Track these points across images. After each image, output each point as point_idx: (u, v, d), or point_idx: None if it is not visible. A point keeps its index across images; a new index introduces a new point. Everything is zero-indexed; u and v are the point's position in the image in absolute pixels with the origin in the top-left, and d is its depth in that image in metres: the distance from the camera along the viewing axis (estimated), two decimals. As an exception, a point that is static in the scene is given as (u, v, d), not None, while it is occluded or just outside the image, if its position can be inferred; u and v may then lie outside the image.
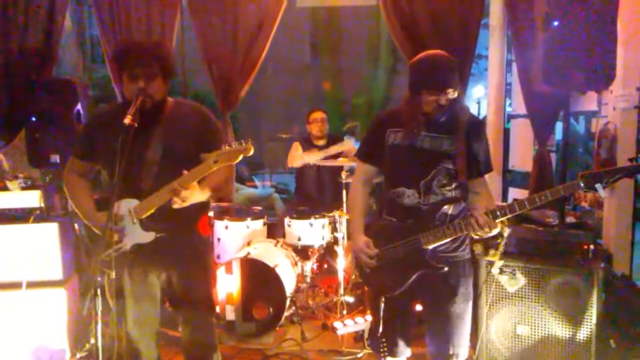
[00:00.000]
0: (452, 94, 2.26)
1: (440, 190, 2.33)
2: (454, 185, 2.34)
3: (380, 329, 2.47)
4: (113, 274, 2.17)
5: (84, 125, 2.82)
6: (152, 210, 2.29)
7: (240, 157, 2.19)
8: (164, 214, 2.29)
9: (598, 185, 2.11)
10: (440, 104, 2.25)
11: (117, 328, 2.35)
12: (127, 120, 2.15)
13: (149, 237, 2.33)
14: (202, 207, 2.46)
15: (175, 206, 2.23)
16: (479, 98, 13.16)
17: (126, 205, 2.31)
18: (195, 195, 2.25)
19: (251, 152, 2.19)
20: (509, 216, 2.20)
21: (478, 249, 2.77)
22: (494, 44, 4.69)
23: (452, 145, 2.31)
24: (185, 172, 2.21)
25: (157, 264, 2.43)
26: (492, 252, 2.66)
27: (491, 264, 2.77)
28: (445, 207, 2.32)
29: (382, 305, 2.43)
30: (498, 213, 2.18)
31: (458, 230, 2.25)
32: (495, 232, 2.21)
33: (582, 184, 2.13)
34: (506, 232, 2.24)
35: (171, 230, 2.36)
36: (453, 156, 2.30)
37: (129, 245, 2.33)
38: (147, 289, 2.44)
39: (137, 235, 2.33)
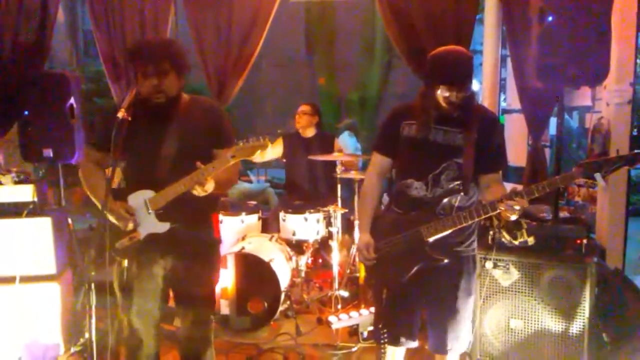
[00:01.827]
0: (466, 91, 2.25)
1: (448, 184, 2.34)
2: (462, 180, 2.34)
3: (382, 318, 2.48)
4: (125, 263, 2.27)
5: (102, 114, 2.82)
6: (167, 202, 2.34)
7: (258, 153, 2.23)
8: (176, 205, 2.34)
9: (597, 175, 2.10)
10: (451, 100, 2.25)
11: (123, 318, 2.42)
12: (120, 114, 2.20)
13: (163, 227, 2.38)
14: (213, 202, 2.48)
15: (195, 193, 2.27)
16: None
17: (142, 196, 2.37)
18: (211, 187, 2.30)
19: (269, 148, 2.25)
20: (537, 195, 2.14)
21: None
22: (488, 39, 4.68)
23: (464, 140, 2.31)
24: (199, 164, 2.24)
25: (166, 254, 2.47)
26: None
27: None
28: (446, 200, 2.33)
29: (384, 295, 2.44)
30: (534, 189, 2.11)
31: (458, 222, 2.26)
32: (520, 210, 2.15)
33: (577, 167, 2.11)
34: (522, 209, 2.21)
35: (184, 221, 2.40)
36: (464, 150, 2.30)
37: (143, 234, 2.38)
38: (151, 281, 2.47)
39: (152, 225, 2.38)
